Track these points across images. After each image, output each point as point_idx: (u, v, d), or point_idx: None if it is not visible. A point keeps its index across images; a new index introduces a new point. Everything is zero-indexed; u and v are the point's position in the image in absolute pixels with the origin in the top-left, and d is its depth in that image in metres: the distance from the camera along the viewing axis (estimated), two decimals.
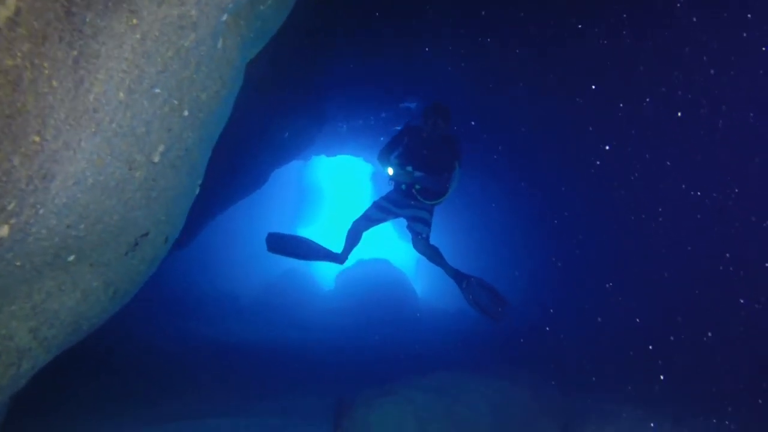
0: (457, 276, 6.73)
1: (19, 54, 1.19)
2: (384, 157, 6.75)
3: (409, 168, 6.57)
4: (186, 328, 10.80)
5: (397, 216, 7.07)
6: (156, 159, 2.36)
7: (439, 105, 6.67)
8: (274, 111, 7.97)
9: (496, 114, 10.73)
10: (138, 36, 1.56)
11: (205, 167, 3.29)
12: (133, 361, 7.60)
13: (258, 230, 20.69)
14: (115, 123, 1.74)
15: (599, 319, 9.24)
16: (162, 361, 7.95)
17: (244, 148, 7.79)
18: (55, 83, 1.25)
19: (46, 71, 1.22)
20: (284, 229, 25.83)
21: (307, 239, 7.40)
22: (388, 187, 7.17)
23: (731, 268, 7.54)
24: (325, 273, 24.57)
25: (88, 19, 1.29)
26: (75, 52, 1.27)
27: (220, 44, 2.42)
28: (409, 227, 6.95)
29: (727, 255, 7.56)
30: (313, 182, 31.42)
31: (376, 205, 7.11)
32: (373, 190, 27.37)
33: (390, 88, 11.51)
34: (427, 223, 6.86)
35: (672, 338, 7.79)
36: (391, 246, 29.74)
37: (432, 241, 6.96)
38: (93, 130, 1.54)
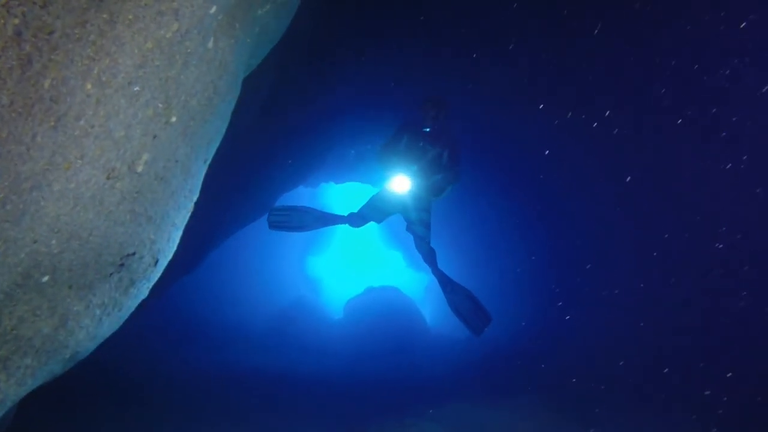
0: (444, 281, 6.79)
1: None
2: (385, 158, 6.59)
3: (414, 167, 6.43)
4: (193, 355, 10.58)
5: (391, 214, 6.95)
6: (140, 169, 2.14)
7: (434, 96, 6.57)
8: (278, 133, 7.81)
9: (507, 136, 10.58)
10: (105, 15, 1.36)
11: (199, 184, 3.07)
12: (136, 389, 7.37)
13: (268, 259, 20.55)
14: (84, 120, 1.53)
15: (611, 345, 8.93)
16: (166, 389, 7.73)
17: (248, 170, 7.61)
18: None
19: None
20: (295, 258, 25.64)
21: (310, 208, 7.20)
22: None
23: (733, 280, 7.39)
24: (334, 301, 24.29)
25: None
26: (16, 20, 1.06)
27: (210, 44, 2.22)
28: (409, 228, 6.87)
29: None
30: (329, 208, 31.20)
31: (371, 206, 6.93)
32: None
33: (398, 112, 11.38)
34: (428, 225, 6.76)
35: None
36: (400, 273, 29.43)
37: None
38: (52, 124, 1.33)
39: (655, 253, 8.37)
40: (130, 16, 1.48)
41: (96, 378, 7.00)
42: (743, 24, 6.46)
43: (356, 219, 6.97)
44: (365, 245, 35.50)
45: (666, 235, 8.16)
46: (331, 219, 7.07)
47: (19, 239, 1.62)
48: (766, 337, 7.02)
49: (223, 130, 3.09)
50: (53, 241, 1.89)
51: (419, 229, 6.69)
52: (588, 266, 9.98)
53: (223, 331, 13.76)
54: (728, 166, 7.20)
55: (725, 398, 7.04)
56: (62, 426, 5.44)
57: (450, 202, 14.90)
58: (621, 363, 8.39)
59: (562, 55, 8.38)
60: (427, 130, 6.39)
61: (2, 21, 1.04)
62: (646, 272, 8.65)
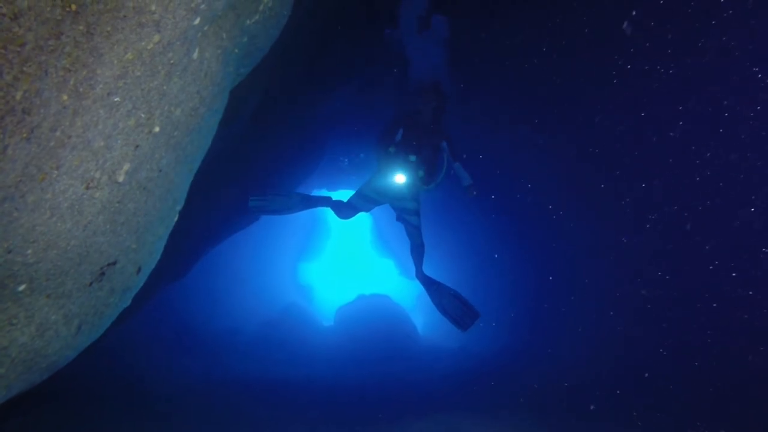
0: (428, 282, 6.86)
1: None
2: (383, 149, 6.58)
3: (413, 158, 6.42)
4: (183, 363, 10.49)
5: (382, 204, 6.94)
6: (121, 178, 2.12)
7: (434, 86, 6.61)
8: (270, 141, 7.80)
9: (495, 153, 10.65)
10: (81, 27, 1.34)
11: (185, 192, 3.04)
12: (125, 397, 7.29)
13: (260, 265, 20.48)
14: (60, 131, 1.51)
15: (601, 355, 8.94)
16: (155, 396, 7.66)
17: (240, 177, 7.59)
18: None
19: None
20: (287, 265, 25.49)
21: (293, 192, 7.15)
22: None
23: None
24: (326, 308, 24.22)
25: None
26: None
27: (196, 54, 2.20)
28: (400, 218, 6.88)
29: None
30: (319, 217, 31.20)
31: (360, 195, 6.88)
32: (373, 224, 27.15)
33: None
34: (417, 213, 6.79)
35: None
36: (391, 281, 29.40)
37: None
38: (24, 135, 1.31)
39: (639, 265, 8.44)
40: (108, 28, 1.46)
41: (84, 386, 6.93)
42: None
43: (346, 209, 6.90)
44: (357, 253, 35.50)
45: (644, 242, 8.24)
46: (314, 201, 6.98)
47: None
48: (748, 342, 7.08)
49: (210, 140, 3.07)
50: (29, 251, 1.87)
51: (414, 218, 6.71)
52: (575, 281, 10.02)
53: (215, 338, 13.66)
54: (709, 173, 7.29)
55: (707, 403, 7.11)
56: None
57: (441, 213, 14.94)
58: (607, 376, 8.41)
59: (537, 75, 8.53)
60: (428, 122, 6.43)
61: None
62: (630, 282, 8.71)
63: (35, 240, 1.83)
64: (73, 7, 1.29)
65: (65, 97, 1.44)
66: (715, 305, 7.49)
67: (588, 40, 7.74)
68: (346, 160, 14.22)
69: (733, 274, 7.27)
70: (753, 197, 6.97)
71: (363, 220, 31.93)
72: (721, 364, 7.31)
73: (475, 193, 6.45)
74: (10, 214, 1.53)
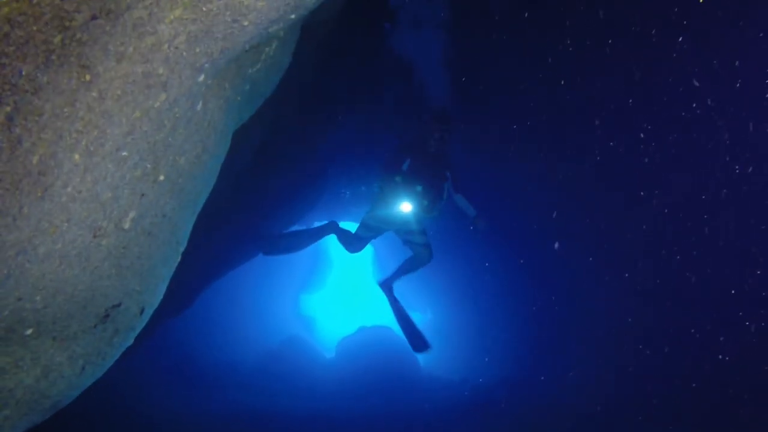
0: (389, 292, 7.28)
1: None
2: (388, 178, 6.62)
3: (419, 188, 6.46)
4: (183, 395, 10.47)
5: (385, 232, 7.03)
6: (126, 226, 2.21)
7: (441, 115, 6.60)
8: (272, 176, 7.92)
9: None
10: (94, 94, 1.44)
11: (187, 234, 3.13)
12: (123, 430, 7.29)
13: (262, 297, 20.48)
14: (71, 187, 1.60)
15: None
16: (153, 430, 7.64)
17: (241, 211, 7.69)
18: None
19: None
20: (289, 296, 25.48)
21: (298, 230, 7.31)
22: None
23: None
24: (327, 339, 24.11)
25: (24, 72, 1.17)
26: (8, 108, 1.15)
27: (200, 107, 2.31)
28: (405, 242, 6.97)
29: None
30: (321, 248, 31.25)
31: (365, 226, 6.99)
32: (374, 254, 27.15)
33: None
34: (424, 232, 6.94)
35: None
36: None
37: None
38: (39, 195, 1.40)
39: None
40: (119, 92, 1.56)
41: (84, 421, 6.92)
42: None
43: (355, 243, 7.03)
44: (358, 283, 35.40)
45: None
46: (317, 232, 7.15)
47: (2, 299, 1.67)
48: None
49: (213, 183, 3.17)
50: (37, 298, 1.94)
51: (420, 238, 6.80)
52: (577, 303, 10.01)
53: (215, 369, 13.64)
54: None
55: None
56: None
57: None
58: (612, 409, 8.37)
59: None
60: (432, 151, 6.46)
61: None
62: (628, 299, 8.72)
63: (44, 287, 1.90)
64: (88, 77, 1.39)
65: (77, 157, 1.53)
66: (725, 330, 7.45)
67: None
68: (348, 192, 14.35)
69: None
70: None
71: (364, 250, 31.93)
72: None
73: (483, 224, 6.52)
74: (23, 266, 1.61)
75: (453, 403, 12.05)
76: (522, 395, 10.64)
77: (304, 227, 7.48)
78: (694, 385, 7.57)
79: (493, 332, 13.25)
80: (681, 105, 7.15)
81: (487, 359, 13.19)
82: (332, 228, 7.16)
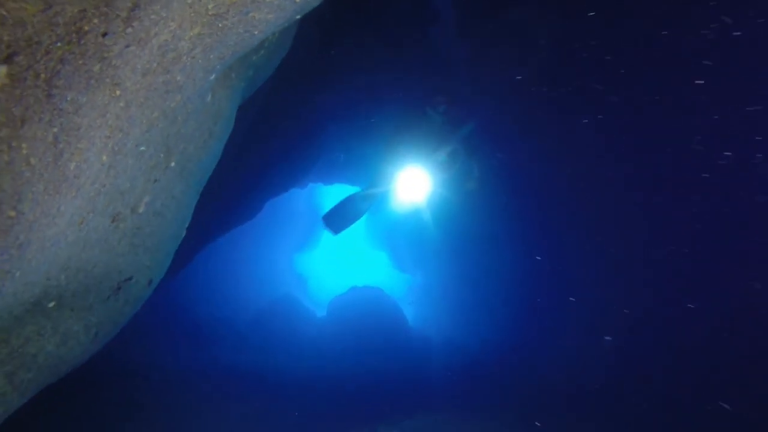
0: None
1: None
2: (391, 153, 6.74)
3: (422, 161, 6.61)
4: (177, 352, 10.72)
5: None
6: (141, 210, 2.39)
7: (442, 89, 6.64)
8: (270, 142, 8.04)
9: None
10: (122, 104, 1.60)
11: (191, 212, 3.31)
12: (119, 386, 7.53)
13: (258, 256, 20.74)
14: (98, 183, 1.78)
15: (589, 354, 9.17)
16: (148, 386, 7.89)
17: (240, 178, 7.83)
18: (33, 161, 1.29)
19: (24, 151, 1.25)
20: (284, 255, 25.65)
21: (349, 197, 7.45)
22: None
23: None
24: (319, 298, 24.52)
25: (69, 98, 1.33)
26: (55, 129, 1.31)
27: (209, 98, 2.46)
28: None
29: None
30: (316, 208, 31.41)
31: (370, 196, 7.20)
32: (366, 217, 27.38)
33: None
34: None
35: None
36: (384, 274, 29.69)
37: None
38: (73, 194, 1.58)
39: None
40: (142, 99, 1.72)
41: (78, 376, 7.17)
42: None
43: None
44: (351, 244, 35.70)
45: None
46: (372, 194, 7.24)
47: (36, 281, 1.86)
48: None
49: (215, 163, 3.33)
50: (62, 276, 2.14)
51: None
52: (567, 277, 10.20)
53: (210, 327, 13.90)
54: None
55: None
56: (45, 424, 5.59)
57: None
58: (598, 377, 8.55)
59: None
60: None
61: (44, 133, 1.29)
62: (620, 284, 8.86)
63: (69, 267, 2.10)
64: (118, 93, 1.54)
65: (105, 158, 1.70)
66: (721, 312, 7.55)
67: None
68: (342, 156, 14.45)
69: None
70: None
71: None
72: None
73: (474, 185, 6.62)
74: (56, 253, 1.79)
75: (441, 363, 12.43)
76: (510, 359, 10.94)
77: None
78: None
79: (480, 295, 13.52)
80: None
81: (475, 321, 13.50)
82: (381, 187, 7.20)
